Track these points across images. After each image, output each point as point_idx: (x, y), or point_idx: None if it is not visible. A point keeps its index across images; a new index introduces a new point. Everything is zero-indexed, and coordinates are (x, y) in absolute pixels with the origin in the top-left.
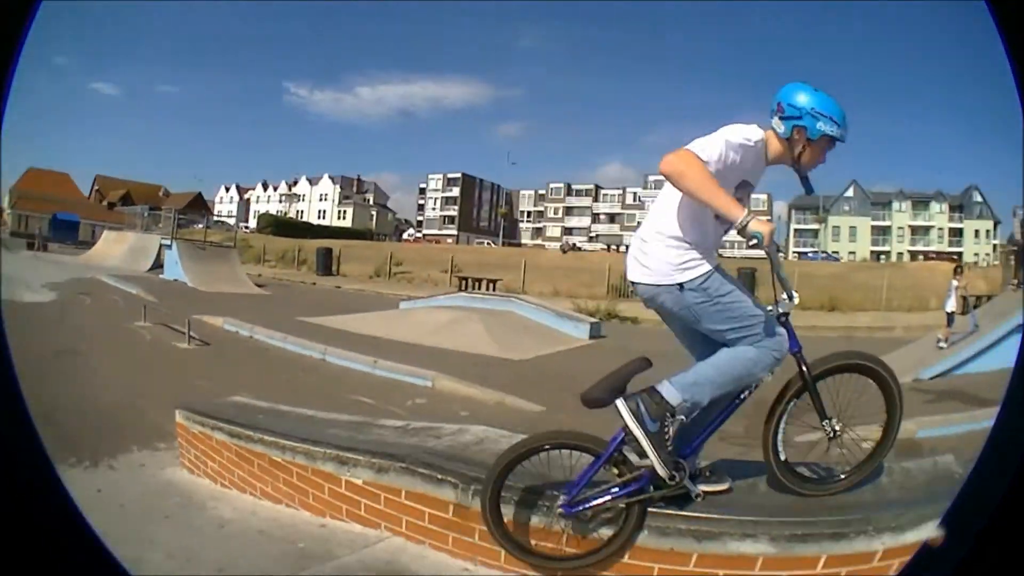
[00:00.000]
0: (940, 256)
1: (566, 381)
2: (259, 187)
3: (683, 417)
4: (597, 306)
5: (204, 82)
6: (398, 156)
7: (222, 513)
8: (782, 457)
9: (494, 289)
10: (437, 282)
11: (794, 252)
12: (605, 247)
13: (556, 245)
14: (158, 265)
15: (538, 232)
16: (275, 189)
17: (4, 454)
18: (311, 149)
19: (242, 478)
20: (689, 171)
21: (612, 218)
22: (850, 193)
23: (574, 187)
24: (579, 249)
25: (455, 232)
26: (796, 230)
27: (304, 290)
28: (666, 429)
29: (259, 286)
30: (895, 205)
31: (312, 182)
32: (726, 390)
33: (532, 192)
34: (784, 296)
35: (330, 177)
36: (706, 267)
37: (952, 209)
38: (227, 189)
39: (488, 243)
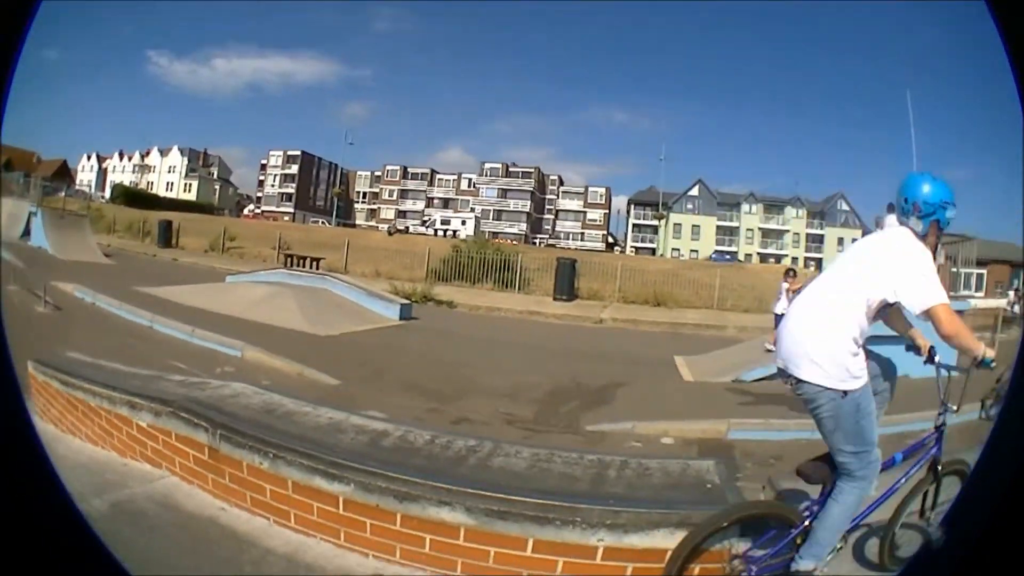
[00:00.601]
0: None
1: (366, 358)
2: (115, 156)
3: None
4: (414, 288)
5: (75, 46)
6: (246, 131)
7: (56, 451)
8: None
9: (317, 267)
10: (266, 258)
11: (631, 247)
12: (435, 232)
13: (386, 227)
14: (27, 232)
15: (372, 213)
16: (129, 159)
17: (4, 454)
18: (166, 120)
19: (72, 423)
20: (963, 330)
21: (446, 203)
22: (695, 192)
23: (410, 170)
24: (406, 231)
25: (291, 210)
26: (634, 225)
27: (145, 261)
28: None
29: (106, 256)
30: (744, 207)
31: (163, 153)
32: (845, 530)
33: (368, 173)
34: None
35: (179, 149)
36: (866, 378)
37: (812, 215)
38: (88, 158)
39: (322, 222)
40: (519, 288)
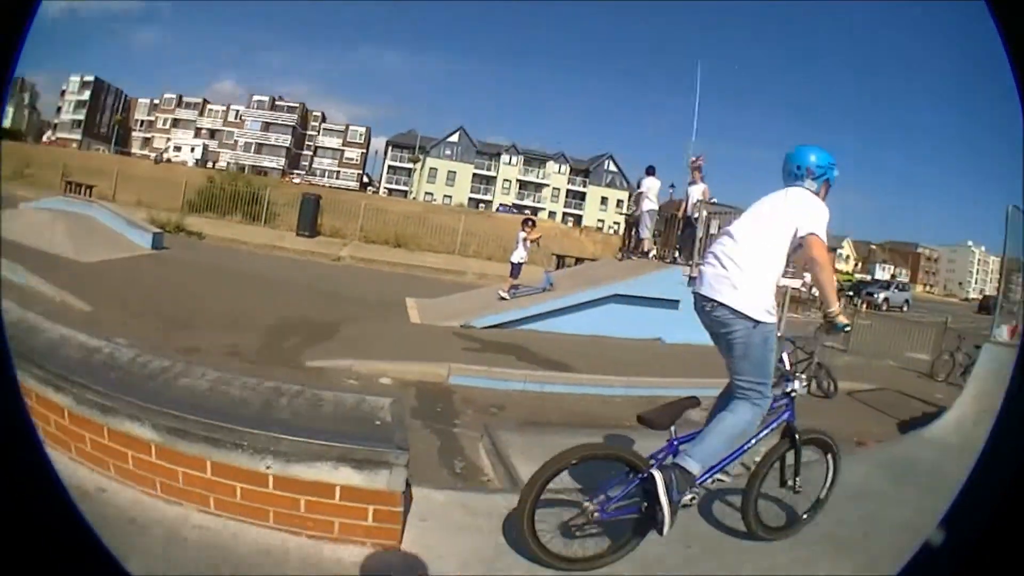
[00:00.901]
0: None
1: (118, 284)
2: None
3: (699, 490)
4: (169, 218)
5: None
6: (57, 55)
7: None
8: (759, 510)
9: (90, 195)
10: (53, 186)
11: (385, 187)
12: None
13: (154, 156)
14: None
15: (146, 142)
16: None
17: (3, 454)
18: None
19: None
20: (828, 265)
21: (212, 134)
22: (455, 139)
23: (185, 99)
24: (170, 162)
25: (79, 137)
26: (390, 167)
27: None
28: (685, 497)
29: None
30: (505, 158)
31: None
32: (731, 451)
33: (148, 101)
34: (805, 380)
35: None
36: (775, 320)
37: (576, 172)
38: None
39: (102, 150)
40: (266, 222)
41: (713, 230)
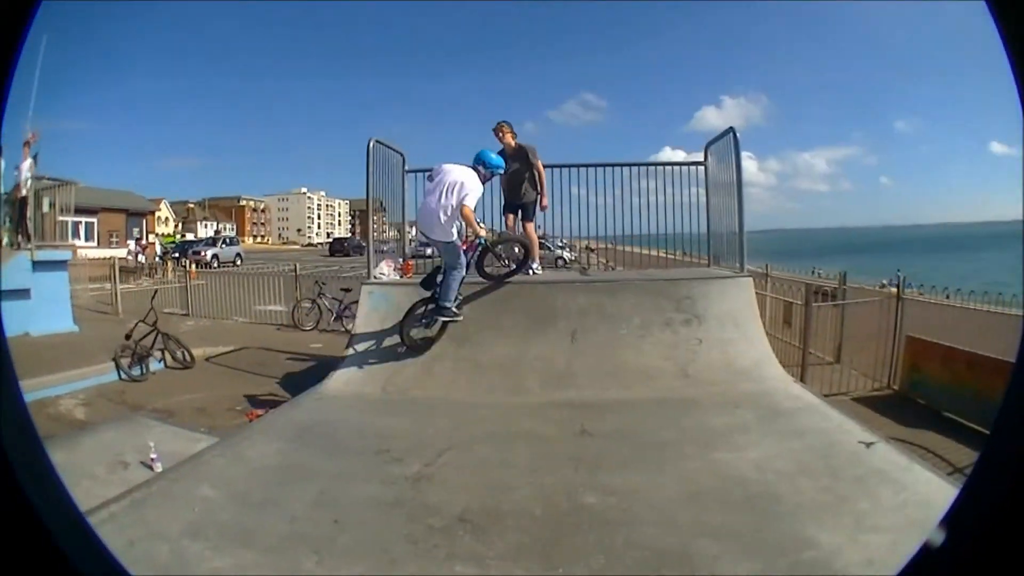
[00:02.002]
0: None
1: None
2: None
3: (455, 308)
4: None
5: None
6: None
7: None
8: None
9: None
10: None
11: None
12: None
13: None
14: None
15: None
16: None
17: (3, 454)
18: None
19: None
20: (472, 220)
21: None
22: None
23: None
24: None
25: None
26: None
27: None
28: (453, 316)
29: None
30: None
31: None
32: (457, 287)
33: None
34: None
35: None
36: (458, 239)
37: None
38: None
39: None
40: None
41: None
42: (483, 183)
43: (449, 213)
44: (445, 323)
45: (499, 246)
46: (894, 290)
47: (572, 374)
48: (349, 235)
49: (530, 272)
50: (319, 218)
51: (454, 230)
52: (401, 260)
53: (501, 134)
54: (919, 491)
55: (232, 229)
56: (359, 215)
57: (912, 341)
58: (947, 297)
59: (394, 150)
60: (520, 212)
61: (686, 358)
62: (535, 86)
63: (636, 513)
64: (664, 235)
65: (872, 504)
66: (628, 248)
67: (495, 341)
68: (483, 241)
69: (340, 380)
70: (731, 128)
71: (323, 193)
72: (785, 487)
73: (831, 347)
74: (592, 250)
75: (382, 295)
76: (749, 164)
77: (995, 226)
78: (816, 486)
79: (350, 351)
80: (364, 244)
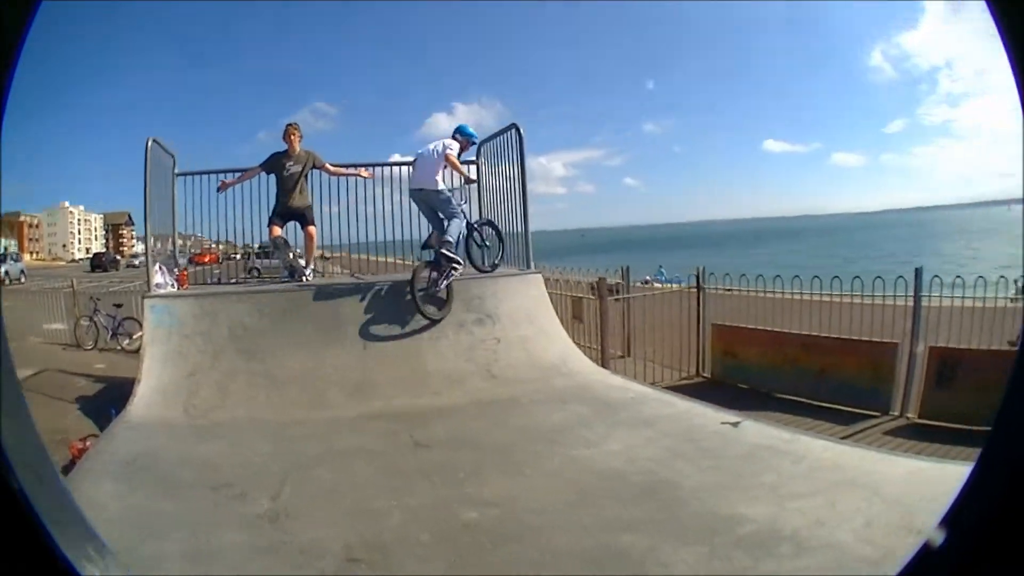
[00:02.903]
0: None
1: None
2: None
3: (462, 260)
4: None
5: None
6: None
7: None
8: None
9: None
10: None
11: None
12: None
13: None
14: None
15: None
16: None
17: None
18: None
19: None
20: (457, 164)
21: None
22: None
23: None
24: None
25: None
26: None
27: None
28: (458, 260)
29: None
30: None
31: None
32: (457, 235)
33: None
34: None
35: None
36: (447, 188)
37: None
38: None
39: None
40: None
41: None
42: (463, 149)
43: (436, 163)
44: (450, 291)
45: (475, 231)
46: (663, 285)
47: (374, 384)
48: (104, 250)
49: (304, 278)
50: (79, 233)
51: (444, 181)
52: (176, 270)
53: (290, 137)
54: (822, 457)
55: (15, 245)
56: (112, 229)
57: (719, 328)
58: (729, 289)
59: (167, 152)
60: (298, 218)
61: (488, 358)
62: (272, 93)
63: (531, 522)
64: (399, 242)
65: (778, 475)
66: (362, 256)
67: (287, 353)
68: (466, 218)
69: (141, 405)
70: (513, 124)
71: (82, 208)
72: (670, 473)
73: (618, 342)
74: (327, 258)
75: (164, 309)
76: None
77: (762, 222)
78: (702, 468)
79: (143, 372)
80: (118, 258)
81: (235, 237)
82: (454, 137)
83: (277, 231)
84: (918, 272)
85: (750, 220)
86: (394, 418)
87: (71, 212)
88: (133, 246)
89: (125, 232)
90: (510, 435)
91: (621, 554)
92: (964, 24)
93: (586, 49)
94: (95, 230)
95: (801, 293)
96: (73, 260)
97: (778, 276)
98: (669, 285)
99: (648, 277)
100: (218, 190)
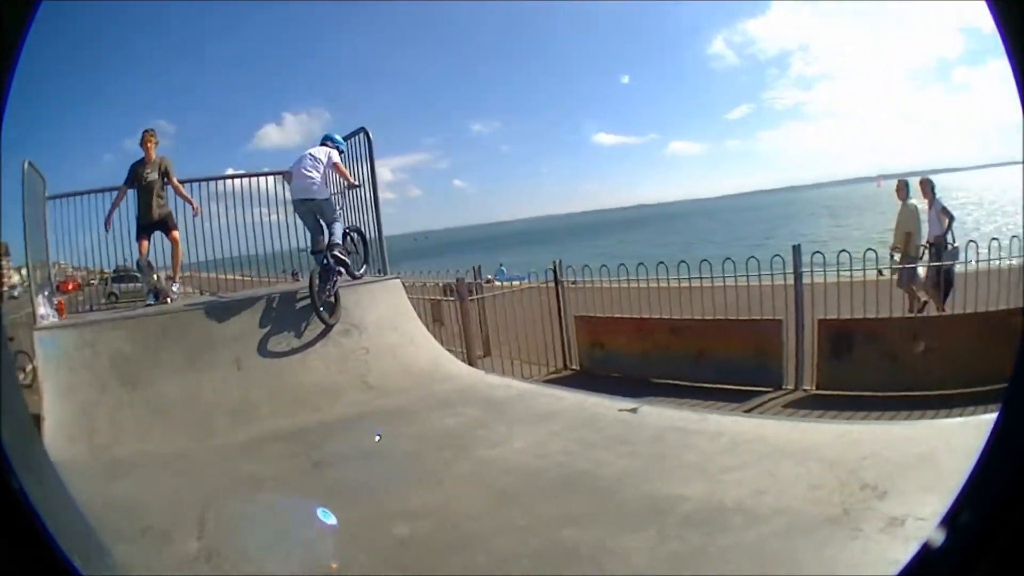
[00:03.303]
0: None
1: None
2: None
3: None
4: None
5: None
6: None
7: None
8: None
9: None
10: None
11: None
12: None
13: None
14: None
15: None
16: None
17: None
18: None
19: None
20: (344, 170)
21: None
22: None
23: None
24: None
25: None
26: None
27: None
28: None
29: None
30: None
31: None
32: (341, 232)
33: None
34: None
35: None
36: (329, 194)
37: None
38: None
39: None
40: None
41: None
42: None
43: (322, 171)
44: (338, 296)
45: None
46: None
47: (254, 404)
48: None
49: (170, 299)
50: None
51: (327, 187)
52: (55, 299)
53: (146, 144)
54: (740, 431)
55: None
56: None
57: (583, 320)
58: (577, 281)
59: (40, 175)
60: (160, 227)
61: (360, 369)
62: (122, 106)
63: (468, 529)
64: (239, 257)
65: (699, 453)
66: (210, 275)
67: (163, 380)
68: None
69: (52, 447)
70: (362, 128)
71: None
72: (587, 464)
73: (477, 342)
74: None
75: (51, 341)
76: None
77: (597, 215)
78: (618, 454)
79: (44, 409)
80: None
81: (90, 261)
82: (325, 145)
83: (146, 245)
84: (796, 249)
85: (585, 213)
86: (285, 439)
87: None
88: (11, 276)
89: (3, 262)
90: (411, 444)
91: (571, 550)
92: (820, 10)
93: (413, 50)
94: None
95: (652, 280)
96: None
97: (641, 264)
98: (511, 283)
99: (489, 276)
100: (106, 228)
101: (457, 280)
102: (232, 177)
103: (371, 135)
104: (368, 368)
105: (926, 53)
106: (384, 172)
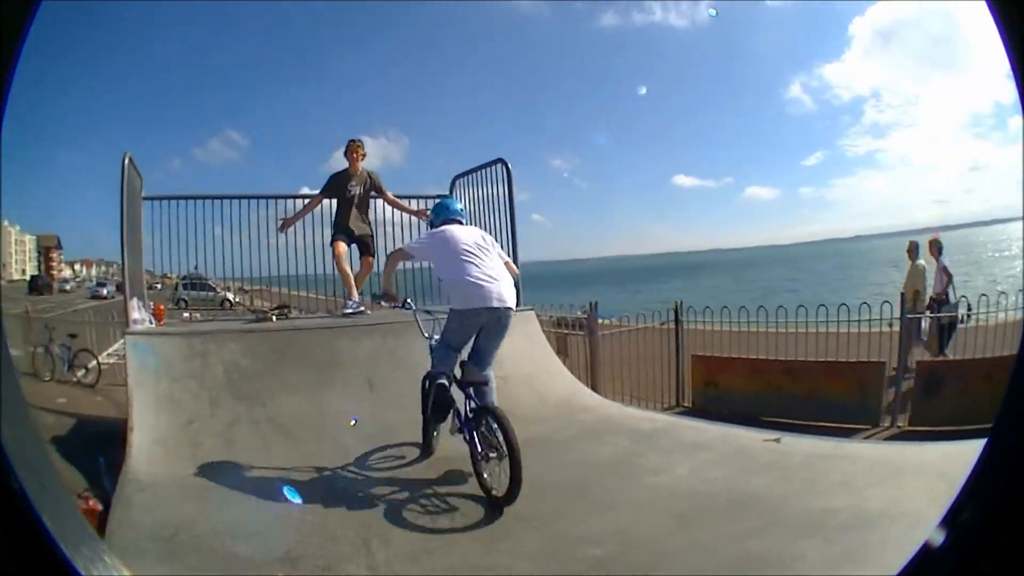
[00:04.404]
0: None
1: None
2: None
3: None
4: None
5: None
6: None
7: None
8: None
9: None
10: None
11: None
12: None
13: None
14: None
15: None
16: None
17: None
18: None
19: None
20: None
21: None
22: None
23: None
24: None
25: None
26: None
27: None
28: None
29: None
30: None
31: None
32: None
33: None
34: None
35: None
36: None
37: None
38: None
39: None
40: None
41: None
42: None
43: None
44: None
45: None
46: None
47: (390, 427)
48: (38, 272)
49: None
50: (15, 254)
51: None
52: (152, 304)
53: (352, 155)
54: (872, 456)
55: None
56: (43, 252)
57: (699, 359)
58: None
59: (138, 172)
60: (358, 245)
61: (498, 398)
62: (181, 117)
63: (657, 549)
64: (312, 276)
65: (842, 474)
66: (285, 290)
67: (286, 398)
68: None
69: (142, 459)
70: (500, 159)
71: (18, 227)
72: (749, 487)
73: (584, 377)
74: (246, 291)
75: (148, 348)
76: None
77: (671, 257)
78: (774, 479)
79: (134, 419)
80: (51, 283)
81: (153, 266)
82: (461, 222)
83: (343, 248)
84: (903, 296)
85: (658, 256)
86: (432, 465)
87: (9, 232)
88: (62, 270)
89: (55, 256)
90: (573, 473)
91: (761, 559)
92: (892, 56)
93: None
94: (29, 252)
95: (759, 324)
96: (11, 281)
97: (762, 307)
98: (606, 320)
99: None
100: (279, 229)
101: (586, 314)
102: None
103: (510, 167)
104: (506, 396)
105: (985, 99)
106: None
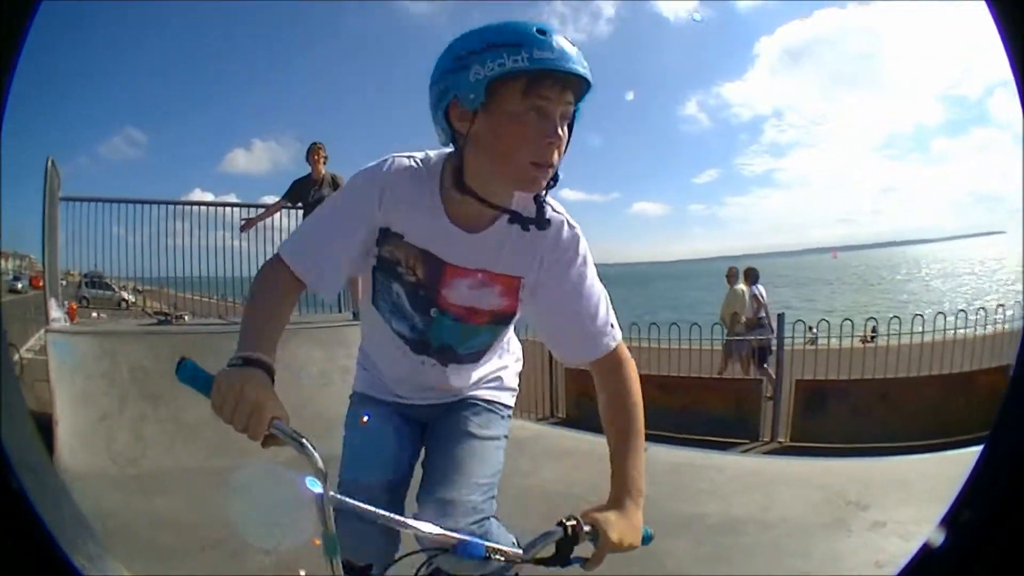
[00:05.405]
0: None
1: None
2: None
3: None
4: None
5: None
6: None
7: None
8: None
9: None
10: None
11: None
12: None
13: None
14: None
15: None
16: None
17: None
18: None
19: None
20: None
21: None
22: None
23: None
24: None
25: None
26: None
27: None
28: None
29: None
30: None
31: None
32: None
33: None
34: None
35: None
36: None
37: None
38: None
39: None
40: None
41: None
42: None
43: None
44: None
45: None
46: None
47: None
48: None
49: None
50: None
51: None
52: (66, 303)
53: (314, 158)
54: (741, 466)
55: None
56: None
57: (573, 372)
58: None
59: (57, 172)
60: None
61: None
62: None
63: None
64: (203, 278)
65: (711, 482)
66: (172, 291)
67: (189, 399)
68: None
69: (66, 451)
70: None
71: None
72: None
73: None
74: (140, 291)
75: (65, 346)
76: None
77: None
78: (655, 485)
79: (57, 413)
80: None
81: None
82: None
83: None
84: (780, 317)
85: None
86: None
87: None
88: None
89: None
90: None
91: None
92: (801, 75)
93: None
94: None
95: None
96: None
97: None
98: None
99: None
100: (241, 229)
101: None
102: (235, 206)
103: None
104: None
105: (904, 121)
106: None
